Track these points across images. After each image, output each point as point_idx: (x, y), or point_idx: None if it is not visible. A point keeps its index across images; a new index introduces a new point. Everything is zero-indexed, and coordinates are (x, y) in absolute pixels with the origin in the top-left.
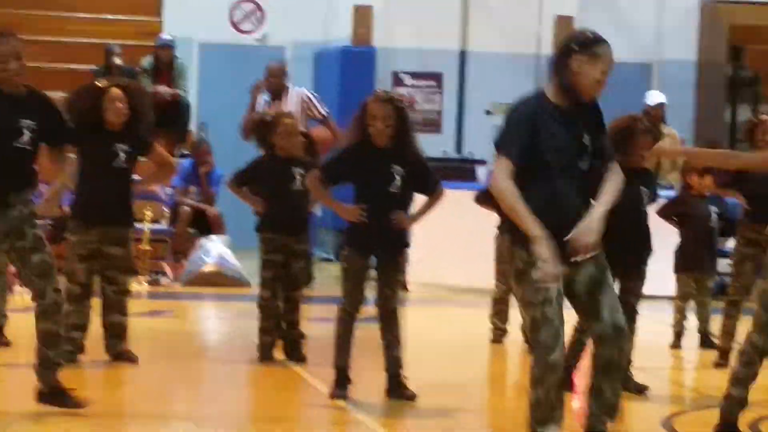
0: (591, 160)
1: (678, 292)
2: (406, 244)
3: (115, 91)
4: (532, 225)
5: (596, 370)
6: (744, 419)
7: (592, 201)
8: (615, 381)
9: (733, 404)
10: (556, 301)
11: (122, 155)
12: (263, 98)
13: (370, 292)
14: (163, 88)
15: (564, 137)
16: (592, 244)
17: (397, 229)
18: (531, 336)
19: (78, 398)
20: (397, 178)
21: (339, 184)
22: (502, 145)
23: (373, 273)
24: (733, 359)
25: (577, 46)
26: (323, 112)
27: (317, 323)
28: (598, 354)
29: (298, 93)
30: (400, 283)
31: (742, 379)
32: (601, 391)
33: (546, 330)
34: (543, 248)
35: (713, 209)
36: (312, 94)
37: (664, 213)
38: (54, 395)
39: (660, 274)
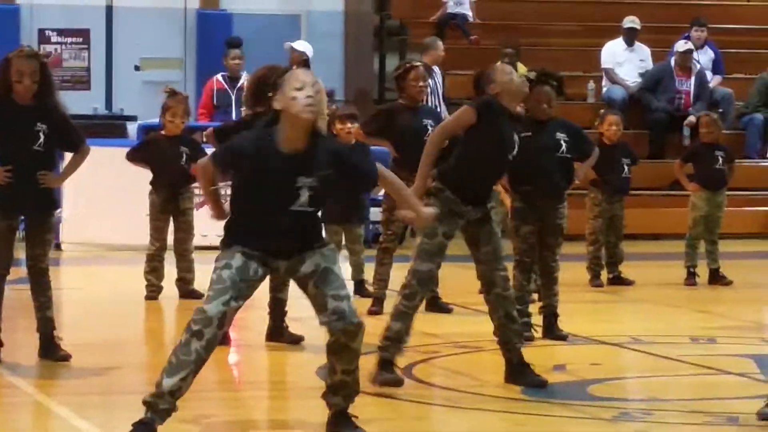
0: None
1: None
2: (55, 203)
3: None
4: None
5: (330, 354)
6: (400, 364)
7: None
8: (346, 363)
9: (392, 339)
10: (237, 270)
11: None
12: None
13: (21, 252)
14: None
15: None
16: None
17: (44, 188)
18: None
19: None
20: (42, 136)
21: None
22: None
23: (22, 233)
24: (388, 306)
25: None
26: None
27: None
28: (330, 341)
29: None
30: (51, 242)
31: (403, 313)
32: (334, 372)
33: (214, 287)
34: None
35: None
36: None
37: None
38: None
39: None
